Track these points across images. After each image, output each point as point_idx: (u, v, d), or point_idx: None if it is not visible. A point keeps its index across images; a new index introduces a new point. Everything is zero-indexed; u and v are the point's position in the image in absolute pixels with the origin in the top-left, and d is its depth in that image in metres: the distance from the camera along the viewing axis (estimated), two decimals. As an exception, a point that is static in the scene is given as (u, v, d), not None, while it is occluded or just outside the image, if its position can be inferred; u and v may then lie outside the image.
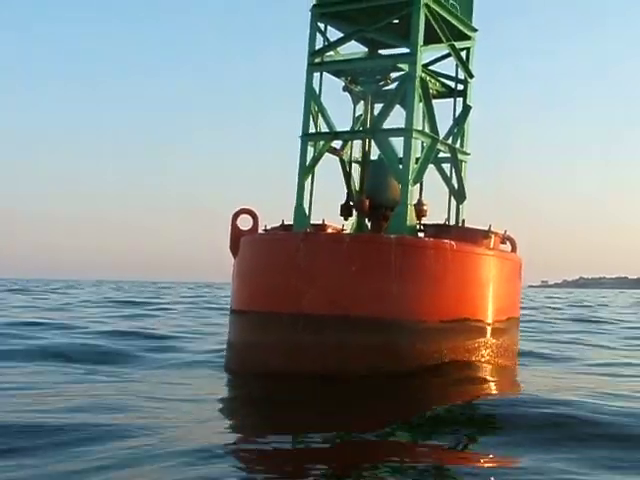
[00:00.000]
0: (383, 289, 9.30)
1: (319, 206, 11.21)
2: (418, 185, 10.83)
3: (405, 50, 10.98)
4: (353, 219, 11.67)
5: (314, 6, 11.26)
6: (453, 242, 9.69)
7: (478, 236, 10.33)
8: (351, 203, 11.49)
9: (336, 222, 11.48)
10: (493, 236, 10.51)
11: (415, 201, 10.54)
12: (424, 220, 10.82)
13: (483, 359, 9.94)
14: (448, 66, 12.01)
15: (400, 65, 11.22)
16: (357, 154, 11.87)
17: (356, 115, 11.98)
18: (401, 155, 10.58)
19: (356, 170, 11.89)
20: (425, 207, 10.85)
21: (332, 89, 11.76)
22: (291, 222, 10.91)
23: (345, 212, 11.44)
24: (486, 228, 10.47)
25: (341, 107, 12.03)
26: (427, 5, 10.62)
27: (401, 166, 10.41)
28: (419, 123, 10.64)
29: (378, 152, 11.19)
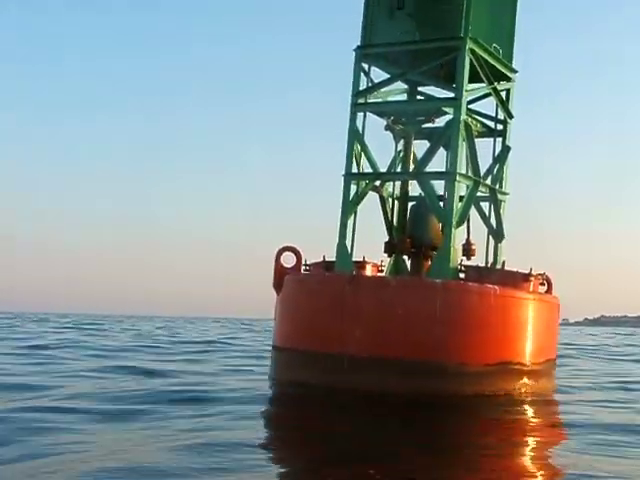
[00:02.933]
0: (428, 333, 10.05)
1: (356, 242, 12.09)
2: (465, 225, 11.62)
3: (449, 94, 11.86)
4: (391, 258, 12.51)
5: (358, 47, 12.04)
6: (496, 287, 10.48)
7: (519, 279, 11.14)
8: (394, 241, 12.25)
9: (375, 259, 12.30)
10: (533, 279, 11.37)
11: (463, 241, 11.39)
12: (473, 259, 11.69)
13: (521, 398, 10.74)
14: (488, 105, 12.94)
15: (444, 108, 12.11)
16: (397, 191, 12.69)
17: (397, 152, 12.81)
18: (441, 194, 11.46)
19: (396, 207, 12.69)
20: (473, 247, 11.64)
21: (374, 126, 12.65)
22: (332, 258, 11.73)
23: (389, 249, 12.17)
24: (526, 271, 11.31)
25: (381, 142, 12.89)
26: (472, 50, 11.46)
27: (443, 207, 11.27)
28: (462, 166, 11.51)
29: (418, 190, 12.03)
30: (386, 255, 12.28)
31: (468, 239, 11.58)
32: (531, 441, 8.06)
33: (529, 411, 10.16)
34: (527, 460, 7.22)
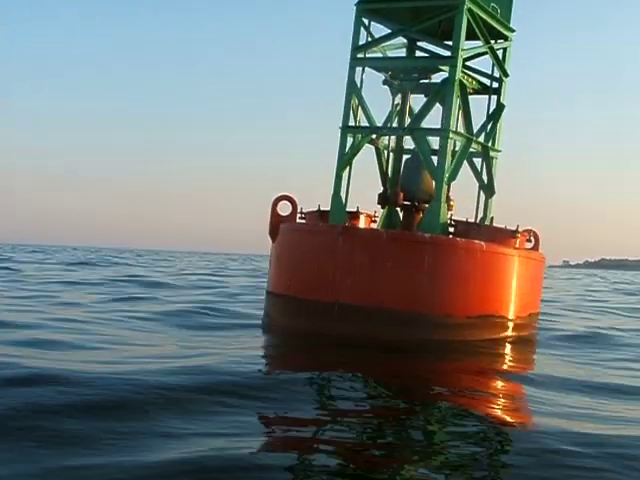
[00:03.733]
0: (415, 285, 10.43)
1: (352, 193, 12.40)
2: None
3: (446, 52, 12.10)
4: (385, 209, 12.84)
5: (359, 2, 12.23)
6: (483, 243, 10.84)
7: (506, 236, 11.48)
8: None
9: (368, 210, 12.62)
10: (520, 235, 11.71)
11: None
12: (450, 214, 11.98)
13: (504, 351, 11.17)
14: (485, 62, 13.14)
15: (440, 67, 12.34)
16: (392, 143, 12.99)
17: (394, 106, 13.07)
18: (436, 148, 11.75)
19: (391, 160, 13.01)
20: (452, 202, 11.90)
21: (371, 81, 12.87)
22: (327, 208, 12.04)
23: (383, 201, 12.52)
24: (514, 228, 11.66)
25: (378, 97, 13.12)
26: (470, 9, 11.66)
27: (436, 162, 11.58)
28: (455, 123, 11.76)
29: (413, 145, 12.31)
30: (379, 207, 12.58)
31: (447, 194, 11.80)
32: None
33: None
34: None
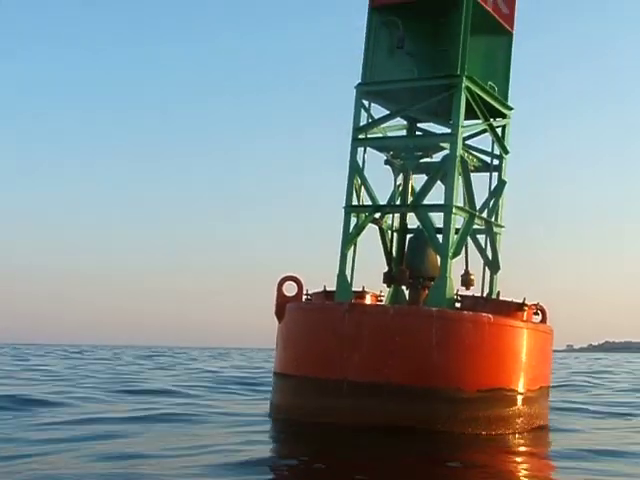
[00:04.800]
0: (424, 359, 10.23)
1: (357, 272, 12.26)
2: (464, 256, 11.79)
3: (446, 130, 12.07)
4: (390, 288, 12.67)
5: (359, 84, 12.30)
6: (490, 315, 10.63)
7: (513, 309, 11.29)
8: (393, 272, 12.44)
9: (374, 289, 12.45)
10: (527, 308, 11.50)
11: (462, 272, 11.56)
12: (472, 289, 11.84)
13: (516, 426, 10.86)
14: (485, 141, 13.12)
15: (441, 144, 12.30)
16: (396, 223, 12.88)
17: (396, 186, 13.00)
18: (439, 226, 11.62)
19: (395, 239, 12.87)
20: (472, 277, 11.81)
21: (373, 160, 12.84)
22: (332, 288, 11.89)
23: (388, 280, 12.35)
24: (520, 300, 11.46)
25: (380, 176, 13.08)
26: (468, 88, 11.66)
27: (441, 240, 11.43)
28: (458, 199, 11.69)
29: (417, 223, 12.20)
30: (385, 285, 12.43)
31: (467, 269, 11.77)
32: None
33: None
34: None
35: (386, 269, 12.42)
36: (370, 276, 13.00)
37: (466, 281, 11.63)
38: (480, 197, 12.45)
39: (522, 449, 10.17)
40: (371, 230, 12.55)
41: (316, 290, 11.95)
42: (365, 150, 12.34)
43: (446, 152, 11.87)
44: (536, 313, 12.24)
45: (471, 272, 11.81)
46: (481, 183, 12.74)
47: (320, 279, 12.29)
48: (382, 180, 12.95)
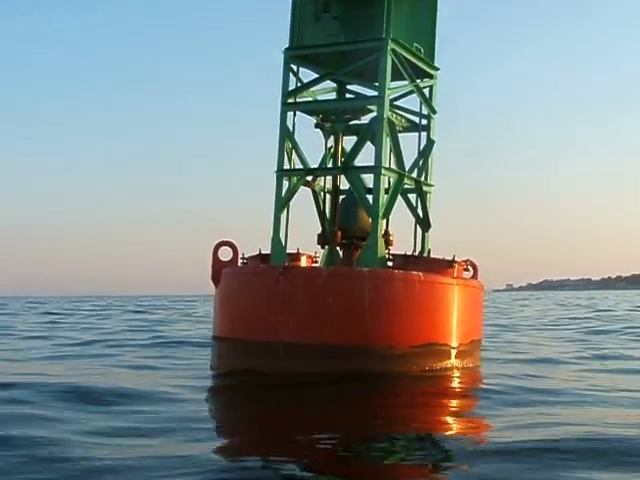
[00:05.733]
0: (357, 319, 10.32)
1: (292, 235, 12.28)
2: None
3: (372, 92, 12.08)
4: (325, 249, 12.71)
5: (287, 49, 12.23)
6: (420, 273, 10.75)
7: (443, 266, 11.39)
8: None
9: (309, 251, 12.52)
10: (457, 265, 11.62)
11: (382, 232, 11.63)
12: (391, 249, 11.92)
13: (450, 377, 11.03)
14: (413, 101, 13.15)
15: (369, 106, 12.30)
16: (328, 185, 12.91)
17: (327, 149, 13.01)
18: (370, 187, 11.65)
19: (327, 201, 12.92)
20: (391, 237, 11.88)
21: (304, 125, 12.81)
22: (267, 251, 11.93)
23: (322, 241, 12.39)
24: (450, 258, 11.58)
25: (312, 141, 13.07)
26: (393, 50, 11.65)
27: (371, 200, 11.48)
28: (387, 160, 11.73)
29: (348, 185, 12.24)
30: (319, 247, 12.45)
31: (387, 229, 11.79)
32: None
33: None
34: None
35: (320, 231, 12.44)
36: (305, 238, 13.04)
37: (386, 240, 11.68)
38: (410, 158, 12.53)
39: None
40: (305, 193, 12.58)
41: (252, 254, 11.94)
42: (295, 114, 12.29)
43: (374, 114, 11.86)
44: (467, 269, 12.38)
45: (391, 232, 11.87)
46: (411, 143, 12.83)
47: (255, 243, 12.30)
48: (313, 143, 12.96)
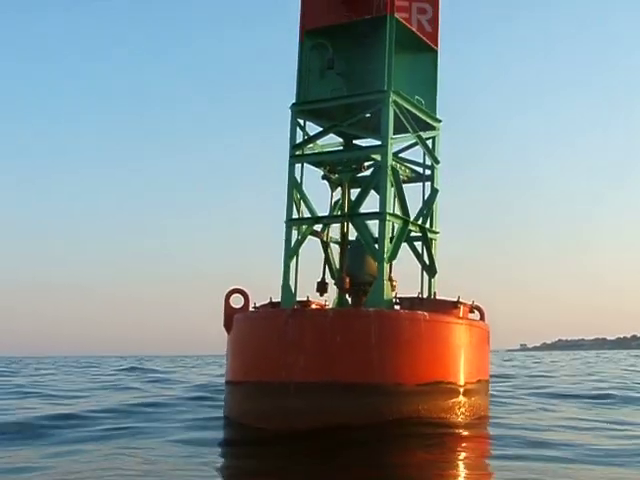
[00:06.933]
0: (365, 357, 10.39)
1: (302, 283, 12.44)
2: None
3: (377, 142, 12.33)
4: (335, 296, 12.83)
5: (293, 104, 12.56)
6: (426, 313, 10.85)
7: (448, 307, 11.53)
8: (326, 281, 12.65)
9: (319, 298, 12.63)
10: (462, 306, 11.73)
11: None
12: (399, 294, 12.02)
13: (457, 417, 11.09)
14: (417, 153, 13.40)
15: (373, 155, 12.56)
16: (336, 235, 13.09)
17: (334, 200, 13.22)
18: (376, 235, 11.84)
19: (335, 249, 13.08)
20: (395, 282, 12.03)
21: (311, 176, 13.07)
22: (278, 299, 12.06)
23: (321, 288, 12.57)
24: (454, 299, 11.71)
25: (320, 192, 13.31)
26: (395, 102, 11.94)
27: (377, 246, 11.65)
28: (391, 207, 11.91)
29: (355, 233, 12.42)
30: (318, 294, 12.63)
31: (390, 275, 11.89)
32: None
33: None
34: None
35: (320, 279, 12.64)
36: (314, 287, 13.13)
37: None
38: (415, 206, 12.75)
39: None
40: (314, 243, 12.77)
41: (262, 302, 12.11)
42: (303, 166, 12.55)
43: (378, 164, 12.09)
44: (472, 311, 12.47)
45: (394, 278, 12.02)
46: (415, 193, 13.04)
47: (266, 291, 12.44)
48: (320, 195, 13.19)
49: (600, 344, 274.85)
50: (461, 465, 8.60)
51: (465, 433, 10.58)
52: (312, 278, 13.15)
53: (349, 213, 12.42)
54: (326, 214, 12.91)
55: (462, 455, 9.25)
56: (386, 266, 11.45)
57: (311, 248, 12.74)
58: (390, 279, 11.83)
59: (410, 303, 11.45)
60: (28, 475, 7.49)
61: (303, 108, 12.62)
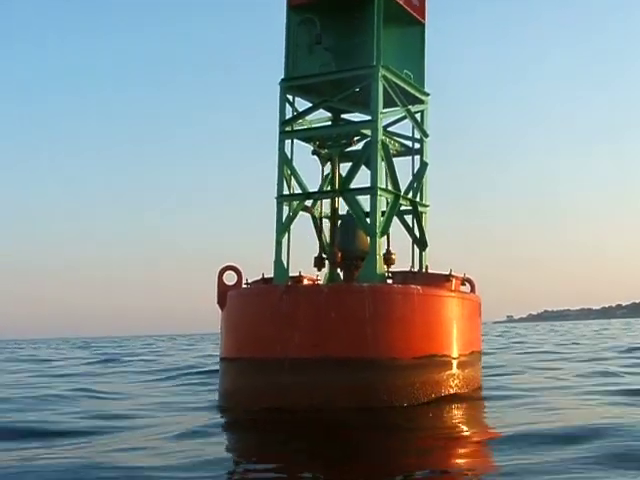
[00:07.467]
0: (360, 332, 10.44)
1: (294, 258, 12.44)
2: (385, 236, 12.03)
3: (367, 117, 12.31)
4: (326, 270, 12.87)
5: (282, 80, 12.49)
6: (419, 287, 10.90)
7: (441, 280, 11.56)
8: (323, 255, 12.68)
9: (311, 273, 12.64)
10: (454, 279, 11.77)
11: (384, 251, 11.79)
12: (392, 268, 12.07)
13: (451, 389, 11.15)
14: (406, 127, 13.39)
15: (363, 130, 12.54)
16: (327, 210, 13.09)
17: (324, 175, 13.24)
18: (368, 210, 11.84)
19: (326, 225, 13.09)
20: (393, 256, 12.04)
21: (301, 152, 13.04)
22: (270, 275, 12.08)
23: (318, 264, 12.58)
24: (447, 273, 11.75)
25: (310, 168, 13.29)
26: (384, 76, 11.90)
27: (368, 220, 11.65)
28: (382, 181, 11.91)
29: (346, 208, 12.43)
30: (316, 269, 12.68)
31: (388, 248, 11.97)
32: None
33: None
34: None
35: (317, 254, 12.62)
36: (306, 262, 13.18)
37: (388, 259, 11.86)
38: (405, 180, 12.74)
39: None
40: (304, 217, 12.75)
41: (255, 278, 12.10)
42: (292, 142, 12.51)
43: (368, 138, 12.07)
44: (464, 284, 12.53)
45: (392, 251, 12.06)
46: (405, 166, 13.04)
47: (259, 267, 12.44)
48: (311, 170, 13.16)
49: (586, 314, 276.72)
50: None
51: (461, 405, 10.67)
52: (303, 253, 13.20)
53: (340, 189, 12.40)
54: (317, 189, 12.90)
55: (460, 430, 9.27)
56: (378, 241, 11.45)
57: (301, 223, 12.75)
58: (388, 252, 11.87)
59: (402, 277, 11.48)
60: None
61: (292, 84, 12.53)
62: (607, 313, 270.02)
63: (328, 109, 13.29)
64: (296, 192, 12.39)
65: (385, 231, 11.78)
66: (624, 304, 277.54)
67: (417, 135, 13.16)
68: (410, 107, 12.77)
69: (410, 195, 12.61)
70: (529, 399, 11.08)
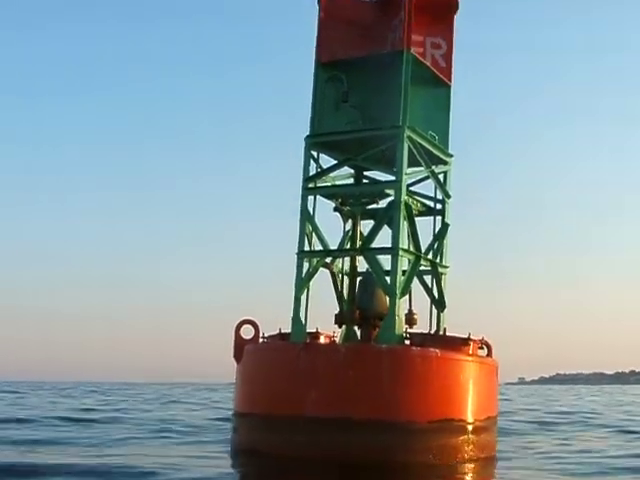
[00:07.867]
0: (377, 393, 10.33)
1: (311, 313, 12.39)
2: (407, 296, 11.99)
3: (390, 176, 12.34)
4: (343, 328, 12.82)
5: (307, 137, 12.57)
6: (437, 350, 10.81)
7: (459, 344, 11.49)
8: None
9: (327, 330, 12.56)
10: (472, 343, 11.70)
11: (406, 311, 11.76)
12: (416, 327, 12.02)
13: (466, 455, 11.00)
14: (429, 187, 13.40)
15: (386, 190, 12.55)
16: (346, 267, 13.07)
17: (345, 231, 13.23)
18: (388, 269, 11.81)
19: (345, 282, 13.05)
20: (415, 316, 12.02)
21: (323, 207, 13.06)
22: (287, 330, 12.02)
23: (339, 321, 12.51)
24: (465, 336, 11.67)
25: (331, 223, 13.30)
26: (410, 137, 11.95)
27: (388, 280, 11.62)
28: (404, 242, 11.89)
29: (365, 265, 12.39)
30: (337, 326, 12.60)
31: (410, 309, 11.97)
32: None
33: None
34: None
35: (337, 311, 12.57)
36: (323, 318, 13.14)
37: (410, 320, 11.84)
38: (425, 240, 12.72)
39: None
40: (323, 274, 12.73)
41: (272, 333, 12.06)
42: (315, 198, 12.54)
43: (391, 198, 12.09)
44: (481, 347, 12.43)
45: (414, 311, 12.04)
46: (426, 227, 13.03)
47: (275, 322, 12.41)
48: (332, 226, 13.17)
49: (598, 378, 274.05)
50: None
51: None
52: (319, 309, 13.15)
53: (361, 247, 12.40)
54: (337, 246, 12.90)
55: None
56: (398, 301, 11.40)
57: (319, 279, 12.72)
58: (410, 312, 11.89)
59: (421, 339, 11.42)
60: None
61: (317, 140, 12.61)
62: (620, 379, 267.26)
63: (352, 166, 13.33)
64: (317, 249, 12.39)
65: (405, 292, 11.74)
66: (637, 370, 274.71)
67: (439, 196, 13.17)
68: (434, 168, 12.81)
69: (430, 256, 12.58)
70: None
